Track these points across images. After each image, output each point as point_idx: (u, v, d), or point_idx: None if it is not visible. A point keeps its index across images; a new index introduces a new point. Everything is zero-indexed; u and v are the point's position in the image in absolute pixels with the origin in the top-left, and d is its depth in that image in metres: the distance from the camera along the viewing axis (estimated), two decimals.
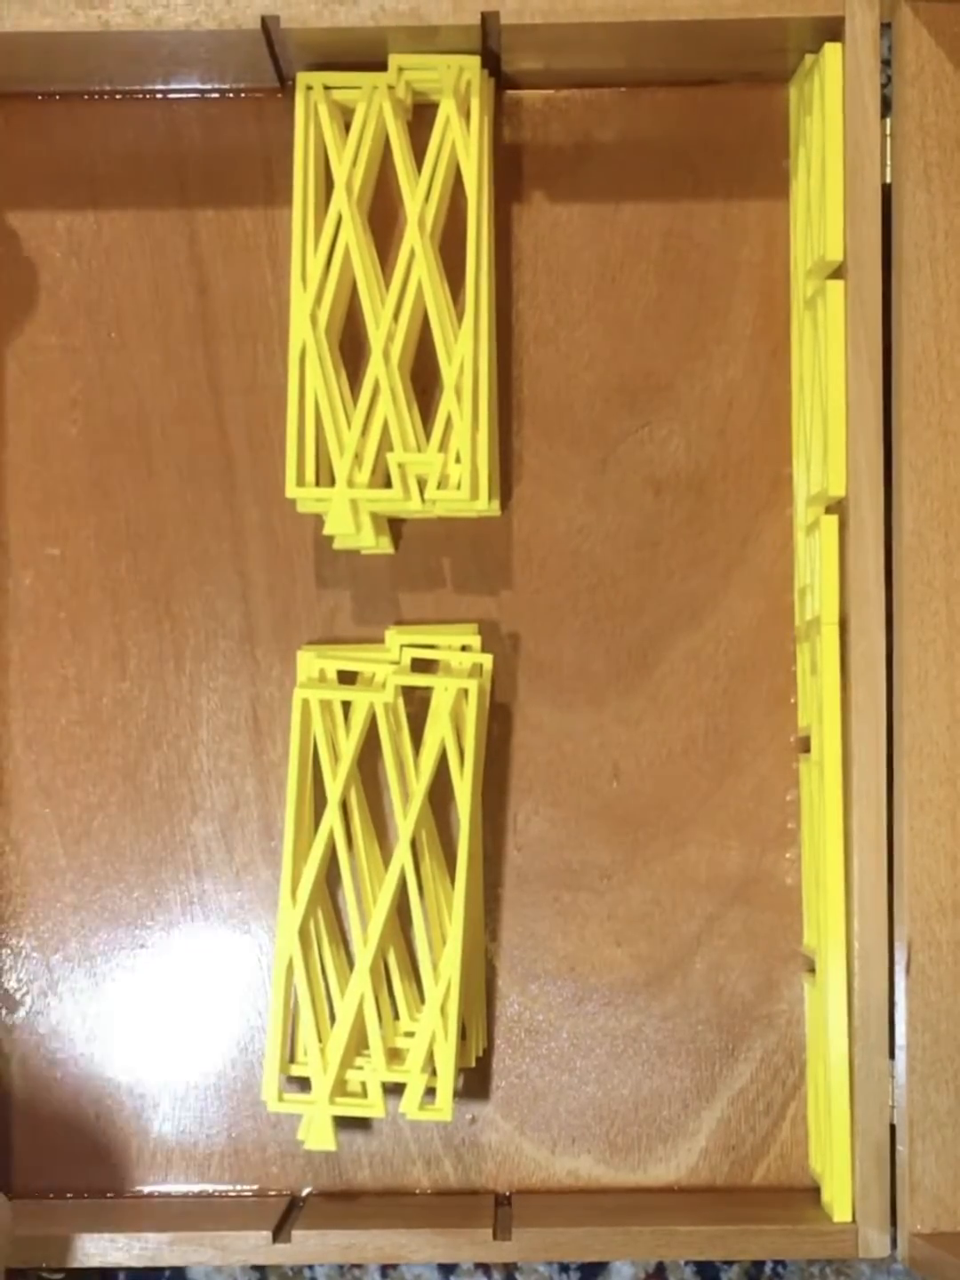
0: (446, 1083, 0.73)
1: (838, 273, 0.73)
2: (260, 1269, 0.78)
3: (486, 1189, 0.78)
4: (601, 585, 0.78)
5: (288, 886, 0.74)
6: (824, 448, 0.73)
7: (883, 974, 0.72)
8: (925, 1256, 0.70)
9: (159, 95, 0.78)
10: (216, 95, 0.78)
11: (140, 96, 0.78)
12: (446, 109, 0.75)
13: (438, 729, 0.75)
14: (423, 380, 0.77)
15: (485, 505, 0.75)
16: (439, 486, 0.74)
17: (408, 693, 0.77)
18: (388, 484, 0.74)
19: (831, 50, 0.73)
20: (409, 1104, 0.73)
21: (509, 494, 0.78)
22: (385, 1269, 0.79)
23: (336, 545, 0.76)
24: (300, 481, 0.74)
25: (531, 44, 0.74)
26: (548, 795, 0.78)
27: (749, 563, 0.79)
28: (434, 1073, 0.73)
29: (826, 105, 0.73)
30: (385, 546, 0.77)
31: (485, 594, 0.78)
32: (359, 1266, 0.78)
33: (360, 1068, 0.74)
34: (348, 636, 0.78)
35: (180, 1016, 0.78)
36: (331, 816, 0.74)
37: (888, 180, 0.73)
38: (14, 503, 0.78)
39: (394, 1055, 0.74)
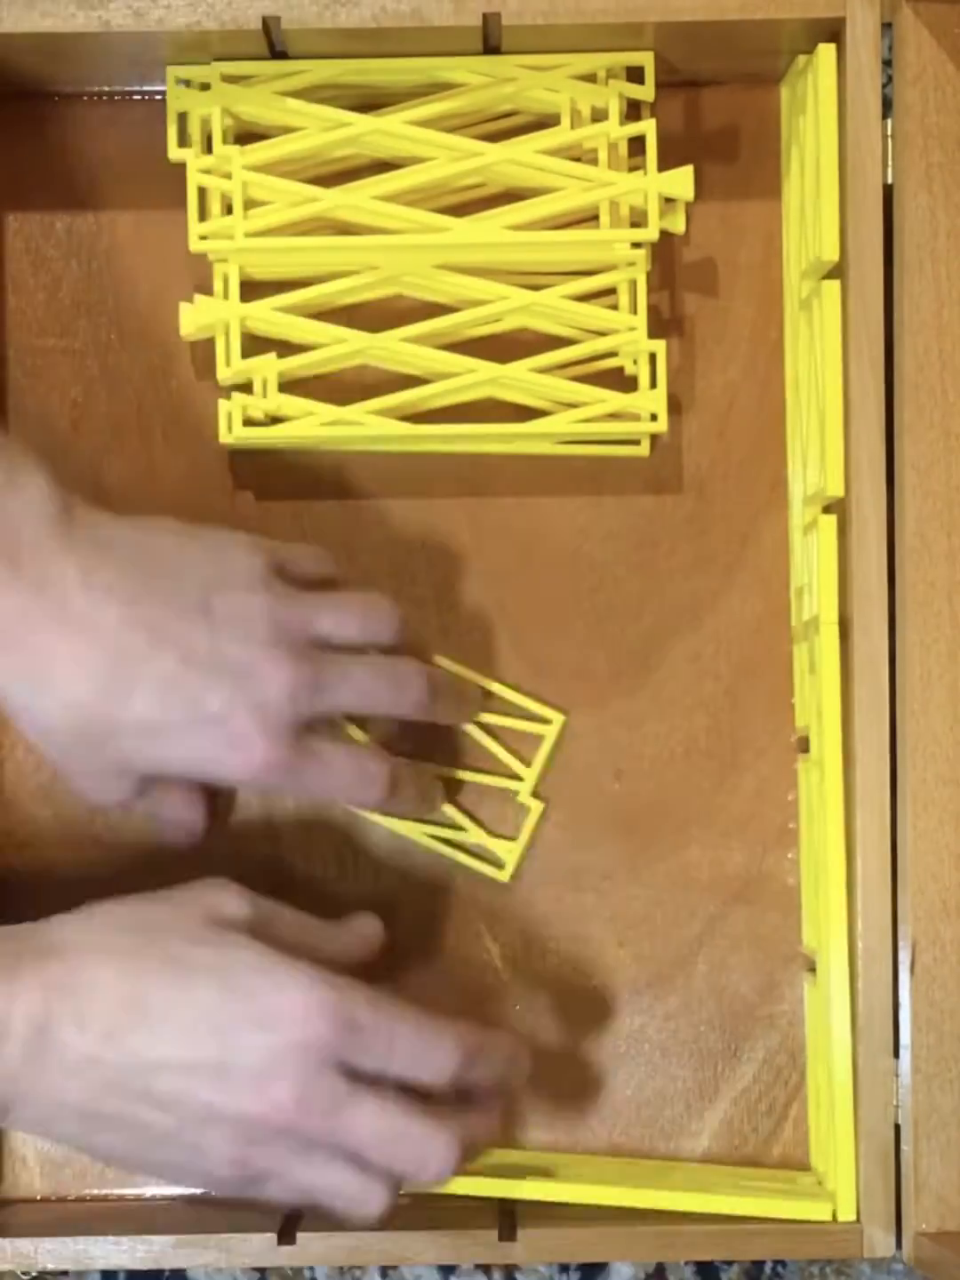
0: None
1: (833, 273, 0.73)
2: (261, 1270, 0.78)
3: None
4: (602, 586, 0.78)
5: None
6: (822, 448, 0.73)
7: (885, 974, 0.72)
8: (930, 1256, 0.70)
9: (159, 95, 0.77)
10: None
11: (140, 96, 0.78)
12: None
13: None
14: None
15: None
16: None
17: None
18: None
19: (824, 50, 0.73)
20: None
21: (512, 495, 0.79)
22: (386, 1269, 0.79)
23: None
24: None
25: (532, 44, 0.74)
26: (549, 796, 0.78)
27: (749, 563, 0.79)
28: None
29: (819, 105, 0.73)
30: None
31: (487, 595, 0.78)
32: (360, 1267, 0.78)
33: None
34: None
35: None
36: None
37: (889, 181, 0.73)
38: None
39: None
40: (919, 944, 0.72)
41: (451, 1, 0.72)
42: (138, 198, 0.78)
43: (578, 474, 0.78)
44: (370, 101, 0.76)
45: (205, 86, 0.75)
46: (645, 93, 0.75)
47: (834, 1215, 0.72)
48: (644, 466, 0.78)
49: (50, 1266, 0.72)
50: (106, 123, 0.78)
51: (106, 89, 0.78)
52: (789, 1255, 0.76)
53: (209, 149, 0.75)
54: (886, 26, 0.73)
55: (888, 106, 0.74)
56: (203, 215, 0.75)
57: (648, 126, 0.75)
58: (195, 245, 0.75)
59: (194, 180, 0.75)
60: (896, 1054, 0.72)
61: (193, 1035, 0.63)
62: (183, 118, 0.76)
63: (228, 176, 0.74)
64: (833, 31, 0.73)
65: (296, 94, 0.75)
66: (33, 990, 0.62)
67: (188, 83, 0.76)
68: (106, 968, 0.63)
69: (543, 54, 0.75)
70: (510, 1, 0.72)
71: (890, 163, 0.73)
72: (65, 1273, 0.77)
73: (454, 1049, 0.66)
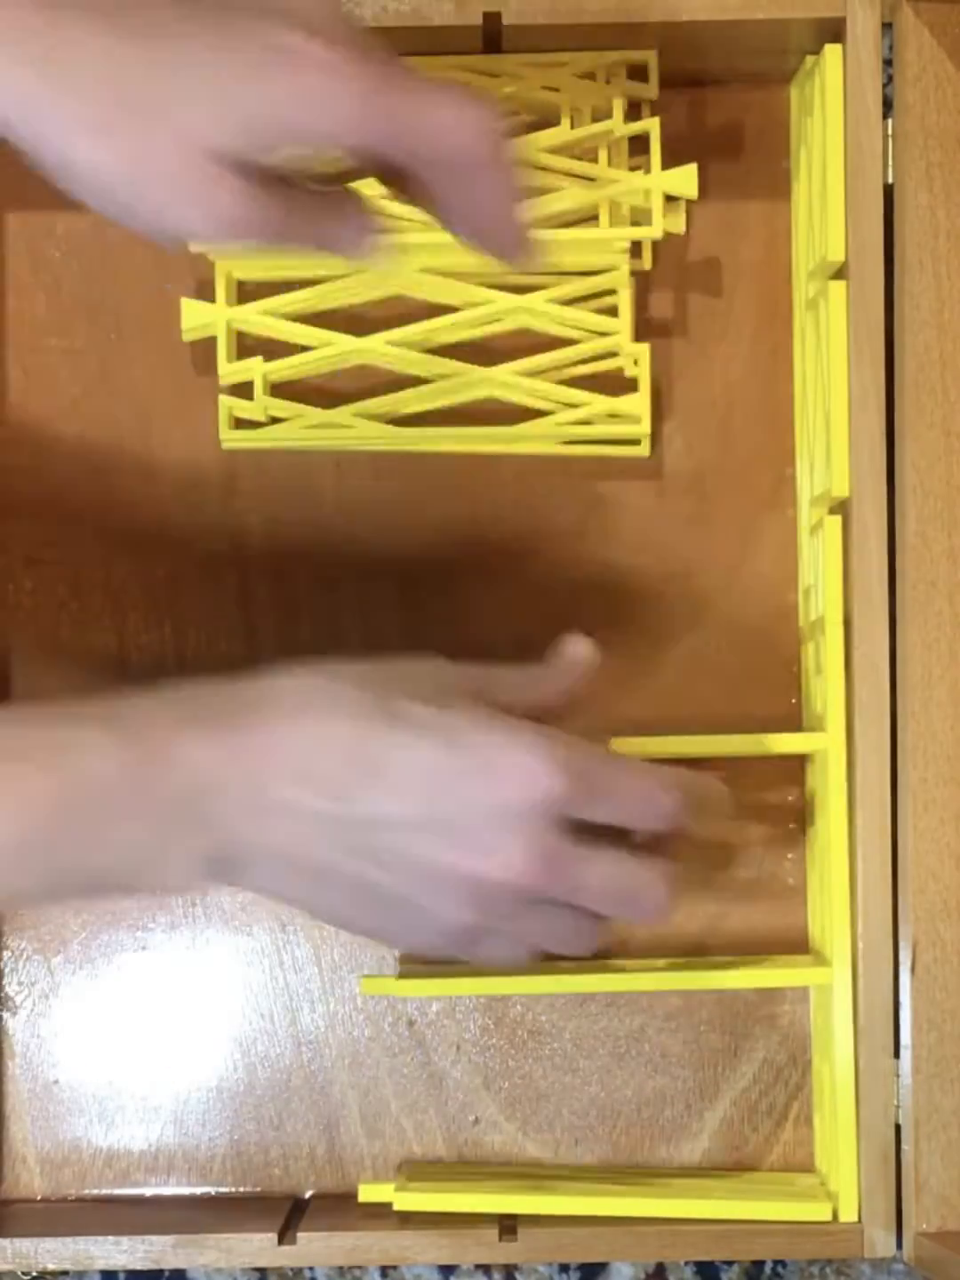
0: None
1: (839, 273, 0.73)
2: (261, 1270, 0.78)
3: None
4: (603, 586, 0.78)
5: None
6: (827, 449, 0.73)
7: (887, 974, 0.72)
8: (931, 1256, 0.70)
9: None
10: None
11: None
12: None
13: None
14: None
15: None
16: None
17: None
18: None
19: (832, 51, 0.73)
20: None
21: (512, 495, 0.79)
22: (386, 1269, 0.79)
23: None
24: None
25: (533, 45, 0.74)
26: None
27: (750, 563, 0.78)
28: None
29: (827, 106, 0.73)
30: None
31: (488, 595, 0.78)
32: (360, 1267, 0.78)
33: None
34: (350, 633, 0.78)
35: (182, 1018, 0.78)
36: None
37: (890, 181, 0.73)
38: (15, 505, 0.78)
39: None
40: (919, 944, 0.72)
41: (451, 1, 0.72)
42: None
43: (578, 474, 0.78)
44: None
45: None
46: (649, 91, 0.75)
47: (834, 1215, 0.72)
48: (644, 466, 0.78)
49: (50, 1266, 0.72)
50: None
51: None
52: (789, 1255, 0.76)
53: None
54: (887, 26, 0.73)
55: (888, 106, 0.74)
56: None
57: (652, 125, 0.75)
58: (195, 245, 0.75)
59: None
60: (897, 1054, 0.72)
61: (422, 793, 0.60)
62: None
63: None
64: (833, 32, 0.73)
65: None
66: (252, 735, 0.59)
67: None
68: (337, 728, 0.60)
69: (546, 52, 0.75)
70: (510, 1, 0.72)
71: (891, 162, 0.73)
72: (65, 1273, 0.77)
73: (677, 794, 0.64)
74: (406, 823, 0.60)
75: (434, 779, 0.60)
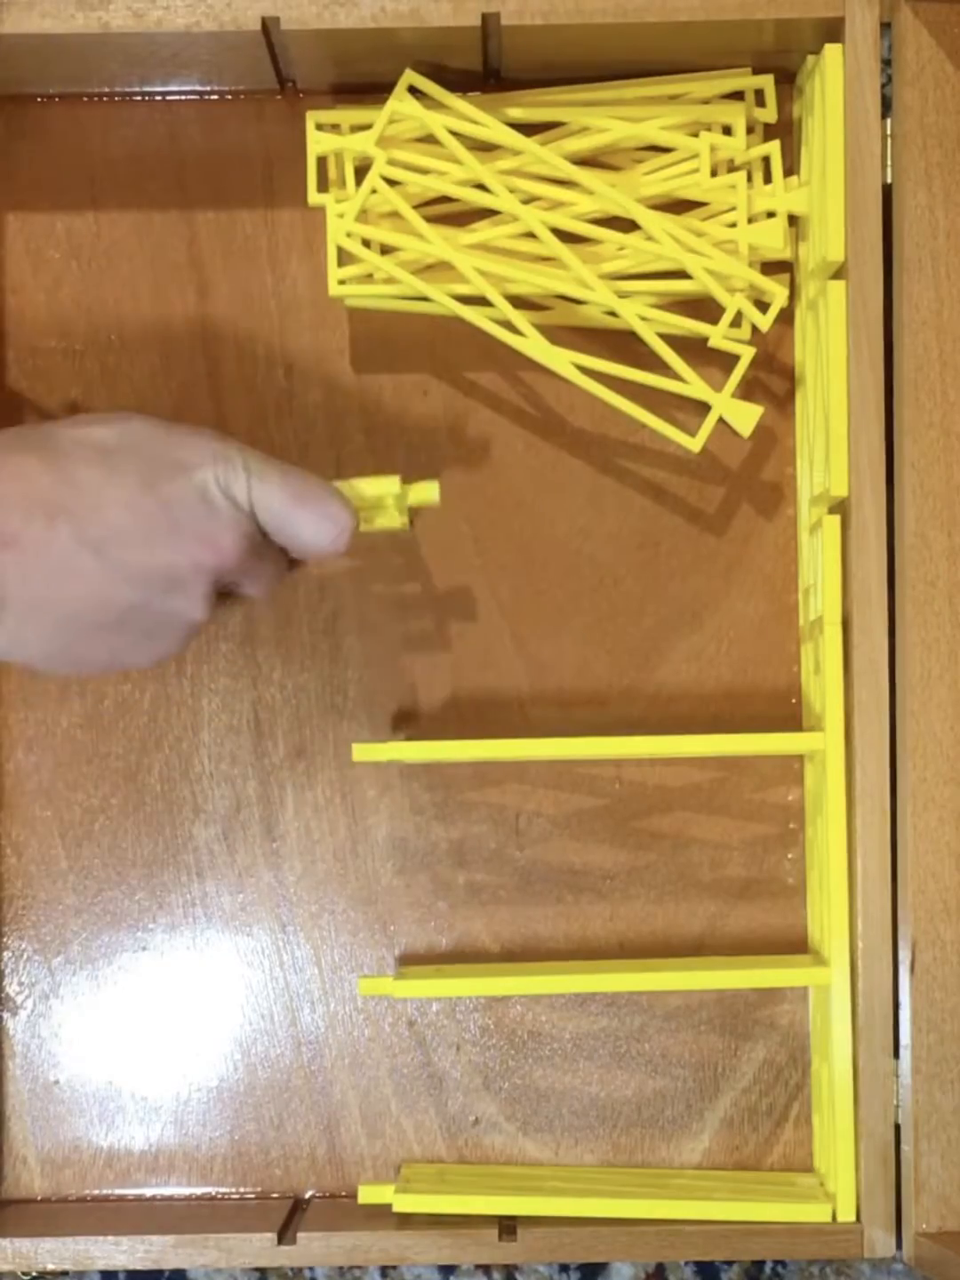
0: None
1: (839, 273, 0.73)
2: (261, 1270, 0.78)
3: None
4: (603, 586, 0.78)
5: None
6: (827, 448, 0.73)
7: (886, 974, 0.72)
8: (931, 1256, 0.70)
9: (159, 96, 0.77)
10: (216, 96, 0.78)
11: (140, 97, 0.78)
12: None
13: None
14: None
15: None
16: None
17: None
18: None
19: (832, 51, 0.73)
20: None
21: (512, 495, 0.79)
22: (386, 1268, 0.79)
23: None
24: None
25: (531, 45, 0.74)
26: (550, 796, 0.78)
27: (749, 563, 0.79)
28: None
29: (827, 106, 0.73)
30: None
31: (488, 595, 0.78)
32: (360, 1267, 0.78)
33: None
34: (349, 638, 0.78)
35: (182, 1019, 0.78)
36: None
37: (889, 180, 0.73)
38: None
39: None
40: (919, 944, 0.72)
41: (450, 2, 0.72)
42: (138, 198, 0.78)
43: (578, 474, 0.78)
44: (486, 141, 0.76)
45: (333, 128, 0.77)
46: (767, 114, 0.77)
47: (833, 1216, 0.72)
48: (645, 467, 0.78)
49: (50, 1266, 0.72)
50: (106, 123, 0.78)
51: (106, 89, 0.78)
52: (789, 1255, 0.76)
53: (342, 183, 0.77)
54: (886, 26, 0.73)
55: (887, 106, 0.74)
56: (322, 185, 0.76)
57: (773, 148, 0.76)
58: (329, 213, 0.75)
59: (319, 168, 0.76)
60: (896, 1054, 0.72)
61: (135, 501, 0.63)
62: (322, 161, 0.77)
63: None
64: (833, 32, 0.73)
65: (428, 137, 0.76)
66: None
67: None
68: (27, 462, 0.63)
69: (654, 78, 0.76)
70: (509, 2, 0.72)
71: (890, 162, 0.73)
72: (65, 1273, 0.77)
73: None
74: (133, 533, 0.63)
75: (141, 486, 0.63)
